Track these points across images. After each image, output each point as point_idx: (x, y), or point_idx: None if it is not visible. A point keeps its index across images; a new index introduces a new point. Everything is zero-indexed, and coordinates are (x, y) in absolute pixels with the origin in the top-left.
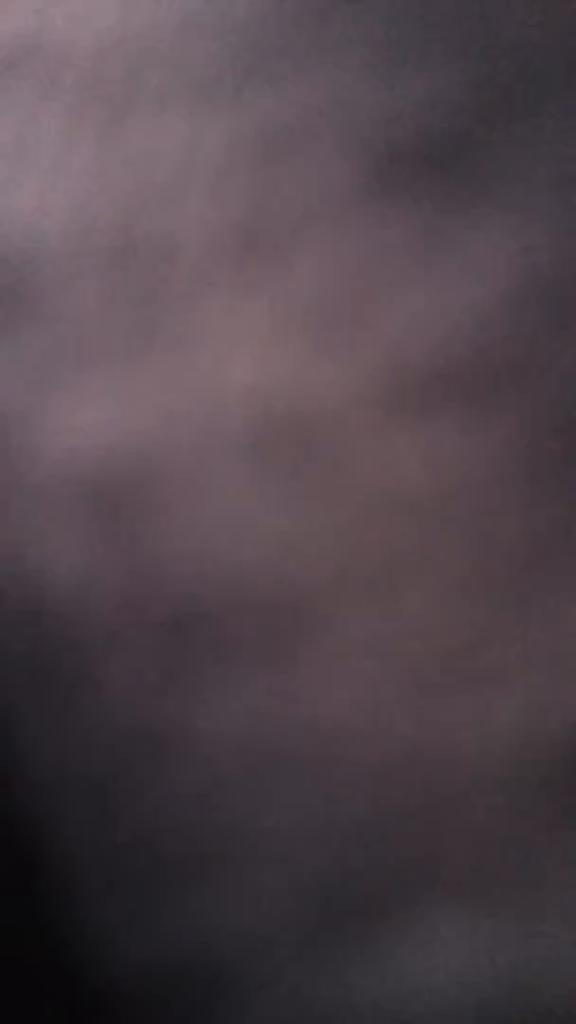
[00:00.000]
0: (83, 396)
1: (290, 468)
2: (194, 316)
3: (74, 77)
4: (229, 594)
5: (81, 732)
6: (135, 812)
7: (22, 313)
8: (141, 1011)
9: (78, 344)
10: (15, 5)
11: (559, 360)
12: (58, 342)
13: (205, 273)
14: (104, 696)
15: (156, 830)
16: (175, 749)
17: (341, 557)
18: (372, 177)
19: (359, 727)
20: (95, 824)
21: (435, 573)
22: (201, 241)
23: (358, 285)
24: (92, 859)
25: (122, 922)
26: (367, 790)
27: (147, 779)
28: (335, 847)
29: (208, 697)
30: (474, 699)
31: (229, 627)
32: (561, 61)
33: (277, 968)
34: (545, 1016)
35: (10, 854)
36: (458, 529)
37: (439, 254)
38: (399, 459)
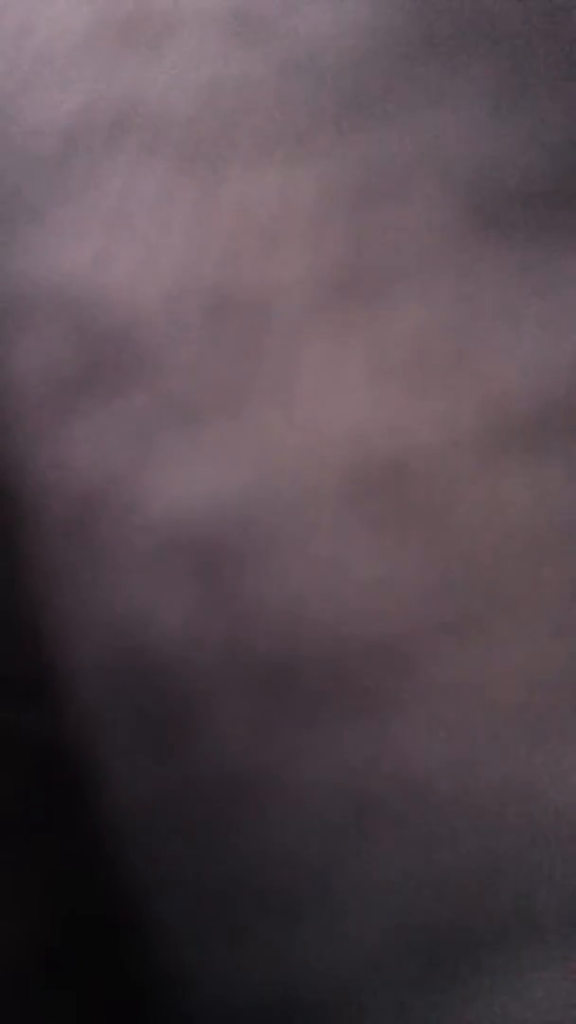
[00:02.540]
0: (184, 455)
1: (389, 514)
2: (292, 366)
3: (173, 136)
4: (326, 644)
5: (182, 779)
6: (231, 856)
7: (124, 377)
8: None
9: (179, 404)
10: (112, 74)
11: None
12: (160, 404)
13: (302, 322)
14: (205, 744)
15: (250, 875)
16: (271, 796)
17: (439, 603)
18: (470, 220)
19: (454, 773)
20: (191, 867)
21: (532, 617)
22: (298, 291)
23: (457, 328)
24: (186, 902)
25: (212, 964)
26: (461, 836)
27: (243, 824)
28: (428, 893)
29: (305, 745)
30: (571, 745)
31: (325, 677)
32: None
33: (365, 1013)
34: None
35: (105, 896)
36: (557, 572)
37: (538, 295)
38: (499, 501)
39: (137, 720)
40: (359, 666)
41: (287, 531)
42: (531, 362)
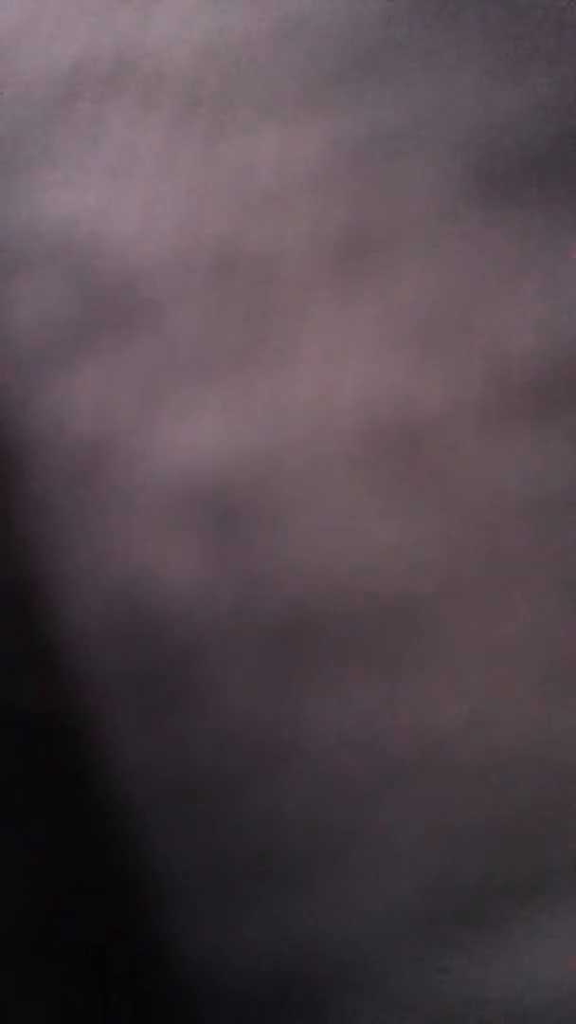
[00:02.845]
0: (192, 411)
1: (399, 477)
2: (300, 328)
3: (171, 93)
4: (340, 602)
5: (188, 742)
6: (239, 821)
7: (128, 331)
8: (248, 1019)
9: (185, 360)
10: (109, 24)
11: None
12: (165, 359)
13: (309, 284)
14: (213, 706)
15: (259, 839)
16: (283, 757)
17: (450, 564)
18: (476, 183)
19: (470, 731)
20: (206, 831)
21: (544, 579)
22: (304, 251)
23: (464, 292)
24: (201, 866)
25: (230, 928)
26: (479, 794)
27: (253, 787)
28: (447, 851)
29: (320, 703)
30: None
31: (340, 634)
32: None
33: (387, 973)
34: None
35: (115, 864)
36: (568, 534)
37: (545, 260)
38: (508, 466)
39: (140, 681)
40: (372, 626)
41: (298, 490)
42: (538, 327)
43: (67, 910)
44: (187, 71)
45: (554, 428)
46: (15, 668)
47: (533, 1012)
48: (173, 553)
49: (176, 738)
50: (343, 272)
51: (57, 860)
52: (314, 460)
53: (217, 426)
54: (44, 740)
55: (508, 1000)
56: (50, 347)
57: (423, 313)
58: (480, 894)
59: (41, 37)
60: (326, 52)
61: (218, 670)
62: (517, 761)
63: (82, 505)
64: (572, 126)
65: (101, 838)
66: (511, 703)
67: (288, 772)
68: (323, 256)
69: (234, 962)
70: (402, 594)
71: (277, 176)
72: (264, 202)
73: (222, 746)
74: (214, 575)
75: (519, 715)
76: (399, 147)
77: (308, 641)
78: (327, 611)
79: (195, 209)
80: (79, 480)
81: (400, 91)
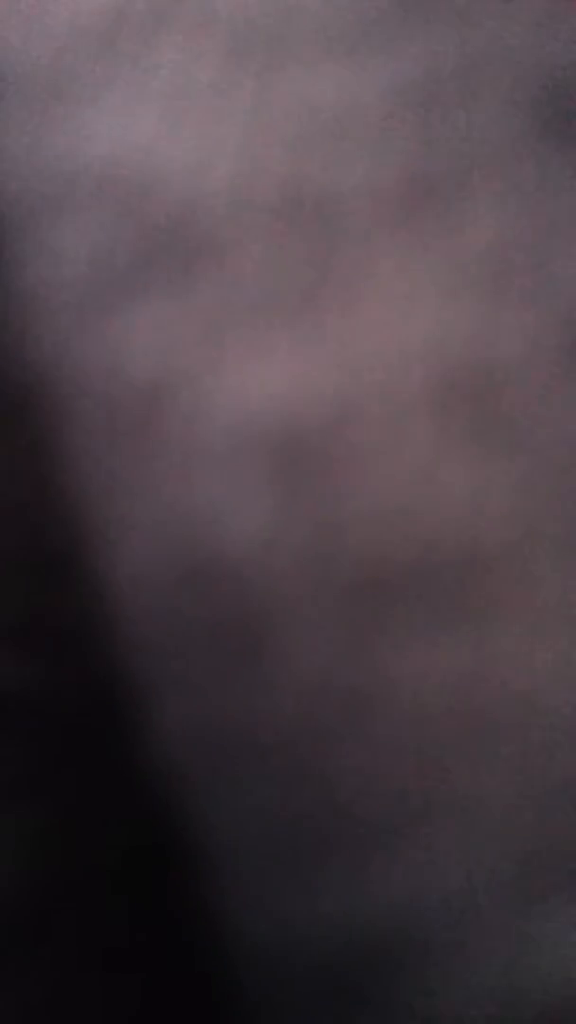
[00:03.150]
0: (257, 354)
1: (473, 424)
2: (368, 270)
3: (225, 26)
4: (417, 553)
5: (263, 699)
6: (321, 780)
7: (186, 270)
8: (317, 997)
9: (248, 301)
10: None
11: None
12: (227, 299)
13: (375, 226)
14: (283, 663)
15: (343, 799)
16: (365, 714)
17: (529, 514)
18: (544, 120)
19: (559, 683)
20: (275, 795)
21: None
22: (368, 193)
23: (536, 233)
24: (268, 833)
25: (321, 890)
26: (569, 750)
27: (335, 744)
28: (538, 812)
29: (400, 658)
30: None
31: (419, 585)
32: None
33: (473, 945)
34: None
35: (176, 830)
36: None
37: None
38: None
39: (205, 640)
40: (452, 575)
41: (372, 436)
42: None
43: (121, 879)
44: (242, 4)
45: None
46: (69, 632)
47: None
48: (240, 504)
49: (245, 698)
50: (409, 215)
51: (117, 826)
52: (388, 405)
53: (284, 370)
54: (103, 704)
55: None
56: (101, 289)
57: (494, 255)
58: (569, 855)
59: None
60: None
61: (290, 626)
62: None
63: (139, 456)
64: None
65: (162, 803)
66: None
67: (367, 731)
68: (388, 198)
69: (301, 936)
70: (482, 542)
71: (335, 117)
72: (324, 143)
73: (295, 705)
74: (284, 526)
75: None
76: (462, 87)
77: (385, 593)
78: (405, 561)
79: (253, 148)
80: (135, 429)
81: (460, 30)
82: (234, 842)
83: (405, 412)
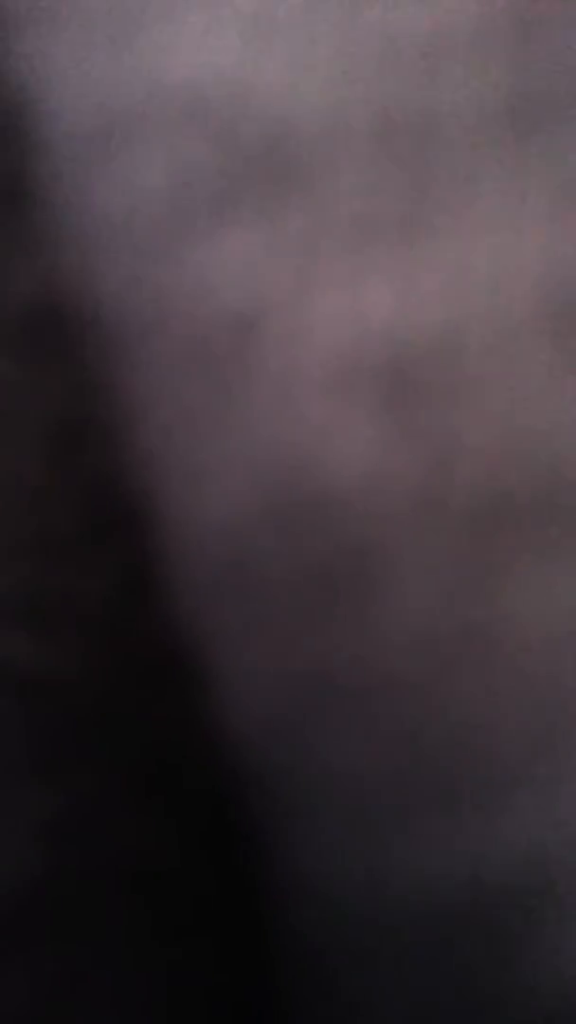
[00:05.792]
0: (355, 282)
1: None
2: (469, 195)
3: None
4: (535, 487)
5: (375, 641)
6: (433, 730)
7: (277, 196)
8: (470, 929)
9: (344, 227)
10: None
11: None
12: (321, 225)
13: (474, 151)
14: (397, 604)
15: (457, 749)
16: (481, 657)
17: None
18: None
19: None
20: (382, 745)
21: None
22: (467, 118)
23: None
24: (373, 785)
25: (447, 834)
26: None
27: (449, 691)
28: None
29: (518, 598)
30: None
31: (536, 520)
32: None
33: (565, 901)
34: None
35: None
36: None
37: None
38: None
39: (305, 583)
40: (571, 509)
41: (481, 365)
42: None
43: (190, 849)
44: None
45: None
46: (151, 579)
47: None
48: (340, 438)
49: (350, 643)
50: (510, 140)
51: (190, 794)
52: (497, 332)
53: (385, 298)
54: (183, 654)
55: None
56: (187, 216)
57: None
58: None
59: None
60: None
61: (399, 565)
62: None
63: (228, 389)
64: None
65: (248, 748)
66: None
67: (483, 676)
68: (488, 123)
69: (452, 870)
70: None
71: (429, 39)
72: (418, 64)
73: (406, 650)
74: (389, 460)
75: None
76: (555, 11)
77: (500, 528)
78: (520, 494)
79: (344, 70)
80: (225, 361)
81: None
82: (324, 799)
83: (516, 338)
